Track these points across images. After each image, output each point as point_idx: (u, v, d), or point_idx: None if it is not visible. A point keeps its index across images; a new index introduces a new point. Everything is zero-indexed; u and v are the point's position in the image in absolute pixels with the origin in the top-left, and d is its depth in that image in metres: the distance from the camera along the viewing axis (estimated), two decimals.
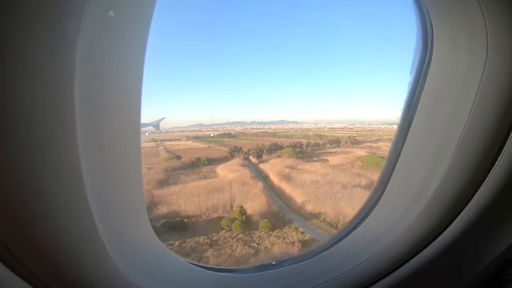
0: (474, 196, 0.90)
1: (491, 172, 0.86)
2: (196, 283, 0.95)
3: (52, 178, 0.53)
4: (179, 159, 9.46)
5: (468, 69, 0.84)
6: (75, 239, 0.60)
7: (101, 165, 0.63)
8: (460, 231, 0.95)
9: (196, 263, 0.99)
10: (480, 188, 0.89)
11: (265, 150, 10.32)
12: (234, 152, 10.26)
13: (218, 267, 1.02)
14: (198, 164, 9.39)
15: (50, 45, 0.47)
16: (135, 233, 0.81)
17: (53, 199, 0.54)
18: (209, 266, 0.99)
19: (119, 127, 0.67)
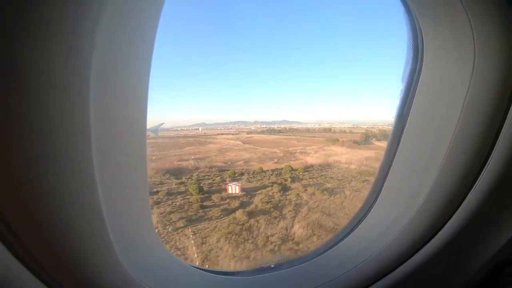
0: (465, 199, 0.93)
1: (482, 174, 0.89)
2: (197, 285, 0.98)
3: (67, 180, 0.56)
4: (338, 141, 10.73)
5: (457, 78, 0.87)
6: (87, 239, 0.64)
7: (111, 169, 0.66)
8: (452, 234, 0.97)
9: (198, 266, 1.02)
10: (471, 191, 0.92)
11: (382, 137, 11.08)
12: (369, 138, 11.12)
13: (219, 270, 1.06)
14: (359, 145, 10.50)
15: (67, 53, 0.49)
16: (141, 236, 0.85)
17: (69, 201, 0.57)
18: (210, 269, 1.03)
19: (127, 132, 0.69)
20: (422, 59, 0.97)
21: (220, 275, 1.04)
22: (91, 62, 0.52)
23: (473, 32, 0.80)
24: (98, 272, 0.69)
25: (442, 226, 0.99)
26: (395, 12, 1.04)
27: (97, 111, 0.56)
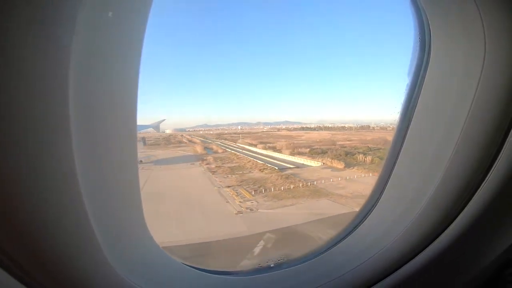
0: (472, 199, 0.90)
1: (489, 174, 0.86)
2: (192, 285, 0.95)
3: (49, 180, 0.53)
4: None
5: (466, 71, 0.83)
6: (72, 241, 0.61)
7: (96, 167, 0.64)
8: (457, 233, 0.94)
9: (192, 265, 0.99)
10: (478, 190, 0.88)
11: None
12: None
13: (214, 269, 1.02)
14: None
15: (45, 49, 0.47)
16: (132, 235, 0.82)
17: (50, 201, 0.55)
18: (205, 268, 1.00)
19: (114, 129, 0.67)
20: (429, 52, 0.93)
21: (215, 275, 1.01)
22: (69, 60, 0.50)
23: (483, 23, 0.76)
24: (83, 272, 0.65)
25: (447, 226, 0.95)
26: (401, 3, 0.99)
27: (78, 109, 0.54)
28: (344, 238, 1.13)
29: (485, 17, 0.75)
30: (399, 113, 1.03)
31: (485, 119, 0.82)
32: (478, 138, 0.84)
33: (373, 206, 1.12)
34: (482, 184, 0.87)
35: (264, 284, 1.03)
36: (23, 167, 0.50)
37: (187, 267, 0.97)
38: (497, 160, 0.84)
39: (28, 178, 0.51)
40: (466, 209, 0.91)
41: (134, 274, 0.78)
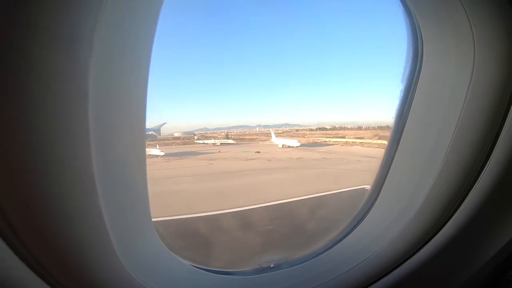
0: (466, 199, 0.93)
1: (482, 174, 0.89)
2: (197, 284, 0.99)
3: (67, 182, 0.57)
4: None
5: (457, 77, 0.87)
6: (87, 240, 0.64)
7: (110, 169, 0.67)
8: (452, 235, 0.97)
9: (197, 265, 1.02)
10: (471, 191, 0.91)
11: None
12: None
13: (218, 269, 1.06)
14: None
15: (64, 55, 0.50)
16: (141, 236, 0.85)
17: (68, 201, 0.58)
18: (209, 268, 1.03)
19: (126, 132, 0.70)
20: (421, 59, 0.97)
21: (219, 274, 1.04)
22: (89, 64, 0.53)
23: (473, 32, 0.80)
24: (98, 270, 0.69)
25: (442, 226, 0.98)
26: (395, 12, 1.03)
27: (96, 112, 0.57)
28: (341, 239, 1.16)
29: (474, 25, 0.79)
30: (393, 118, 1.07)
31: (475, 122, 0.86)
32: (469, 141, 0.87)
33: (370, 208, 1.16)
34: (475, 185, 0.91)
35: (265, 283, 1.06)
36: (43, 170, 0.54)
37: (191, 266, 1.01)
38: (489, 160, 0.87)
39: (50, 179, 0.55)
40: (458, 212, 0.95)
41: (143, 273, 0.81)
